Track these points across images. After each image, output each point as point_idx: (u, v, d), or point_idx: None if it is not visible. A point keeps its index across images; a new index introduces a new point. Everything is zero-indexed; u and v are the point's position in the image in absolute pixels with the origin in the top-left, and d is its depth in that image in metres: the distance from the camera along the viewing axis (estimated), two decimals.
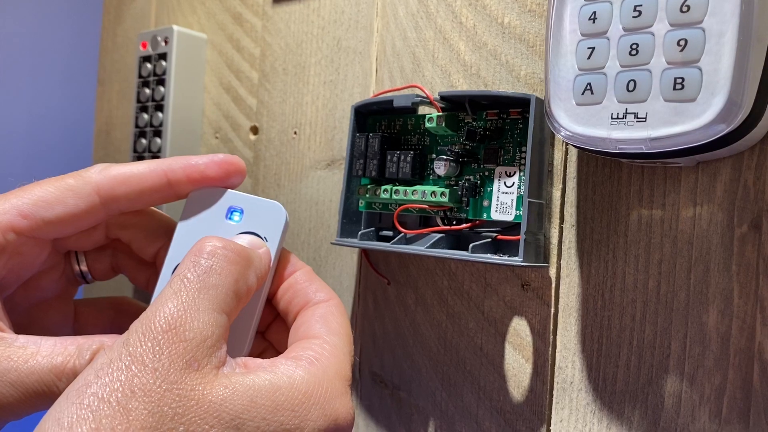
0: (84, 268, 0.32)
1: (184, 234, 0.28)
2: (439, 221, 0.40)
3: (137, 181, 0.28)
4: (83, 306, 0.33)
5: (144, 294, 0.52)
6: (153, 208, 0.32)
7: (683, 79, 0.27)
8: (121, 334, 0.24)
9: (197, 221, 0.28)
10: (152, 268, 0.32)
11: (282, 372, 0.23)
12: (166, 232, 0.31)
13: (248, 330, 0.27)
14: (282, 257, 0.31)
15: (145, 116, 0.59)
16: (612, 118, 0.29)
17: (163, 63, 0.58)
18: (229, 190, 0.29)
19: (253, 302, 0.28)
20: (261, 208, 0.28)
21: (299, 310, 0.29)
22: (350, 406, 0.25)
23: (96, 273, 0.32)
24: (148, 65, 0.59)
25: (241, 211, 0.28)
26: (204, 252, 0.24)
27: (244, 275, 0.25)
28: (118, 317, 0.33)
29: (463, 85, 0.40)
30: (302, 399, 0.23)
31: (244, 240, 0.28)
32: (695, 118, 0.27)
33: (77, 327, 0.32)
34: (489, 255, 0.35)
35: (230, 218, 0.28)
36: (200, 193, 0.28)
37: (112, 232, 0.31)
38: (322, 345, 0.26)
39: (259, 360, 0.24)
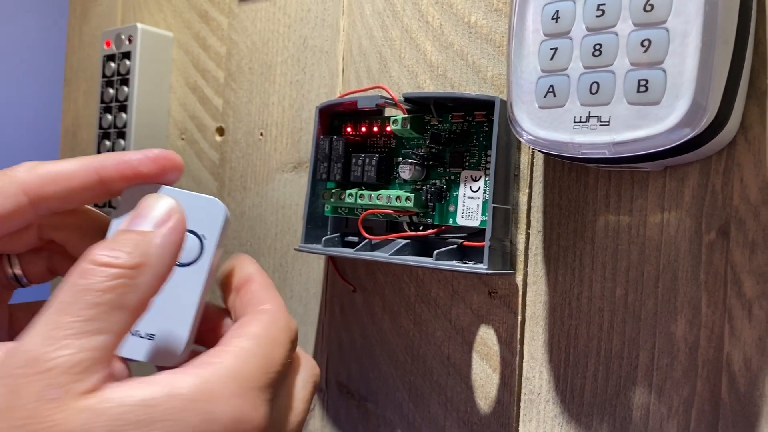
0: (18, 271, 0.30)
1: None
2: (405, 227, 0.38)
3: (66, 179, 0.27)
4: (19, 311, 0.31)
5: None
6: (88, 206, 0.30)
7: (647, 80, 0.26)
8: None
9: None
10: None
11: (160, 381, 0.22)
12: (101, 231, 0.29)
13: (183, 333, 0.26)
14: (239, 264, 0.29)
15: (109, 117, 0.57)
16: (575, 122, 0.28)
17: (127, 62, 0.56)
18: (164, 186, 0.27)
19: (185, 304, 0.26)
20: (198, 205, 0.27)
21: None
22: (247, 408, 0.23)
23: (31, 276, 0.31)
24: (112, 64, 0.57)
25: None
26: (81, 269, 0.22)
27: (132, 285, 0.23)
28: None
29: (429, 86, 0.39)
30: (182, 405, 0.21)
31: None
32: (659, 122, 0.26)
33: (12, 333, 0.31)
34: (454, 262, 0.34)
35: None
36: (135, 190, 0.27)
37: (46, 233, 0.29)
38: (223, 350, 0.24)
39: (144, 377, 0.23)
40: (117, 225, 0.27)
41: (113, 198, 0.28)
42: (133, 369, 0.26)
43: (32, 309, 0.32)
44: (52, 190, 0.26)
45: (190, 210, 0.26)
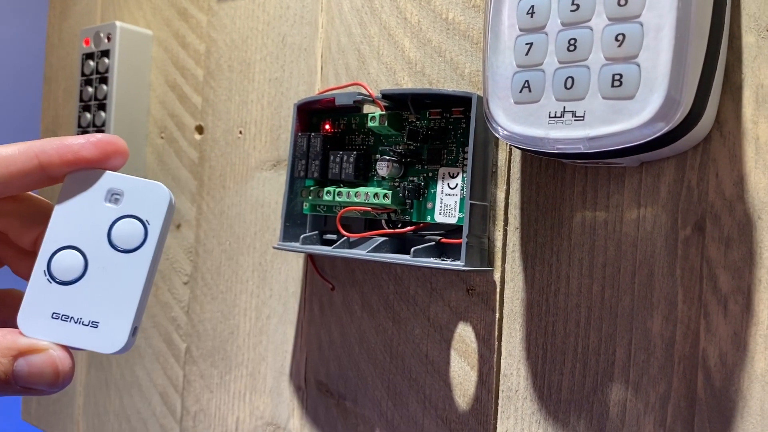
0: None
1: (61, 219, 0.27)
2: (383, 224, 0.38)
3: (5, 165, 0.26)
4: None
5: None
6: (30, 193, 0.30)
7: (621, 75, 0.26)
8: (6, 327, 0.23)
9: (75, 205, 0.27)
10: (34, 257, 0.30)
11: None
12: (44, 218, 0.28)
13: (127, 321, 0.25)
14: None
15: (88, 115, 0.57)
16: (550, 117, 0.28)
17: (106, 60, 0.55)
18: (107, 171, 0.27)
19: (129, 291, 0.25)
20: (142, 190, 0.27)
21: None
22: None
23: None
24: (91, 62, 0.57)
25: (122, 194, 0.26)
26: None
27: None
28: (3, 310, 0.31)
29: (408, 83, 0.39)
30: None
31: None
32: (634, 116, 0.26)
33: None
34: (431, 259, 0.34)
35: (109, 201, 0.26)
36: (77, 175, 0.27)
37: None
38: None
39: None
40: (61, 212, 0.27)
41: (56, 184, 0.28)
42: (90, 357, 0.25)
43: None
44: None
45: (135, 195, 0.26)
